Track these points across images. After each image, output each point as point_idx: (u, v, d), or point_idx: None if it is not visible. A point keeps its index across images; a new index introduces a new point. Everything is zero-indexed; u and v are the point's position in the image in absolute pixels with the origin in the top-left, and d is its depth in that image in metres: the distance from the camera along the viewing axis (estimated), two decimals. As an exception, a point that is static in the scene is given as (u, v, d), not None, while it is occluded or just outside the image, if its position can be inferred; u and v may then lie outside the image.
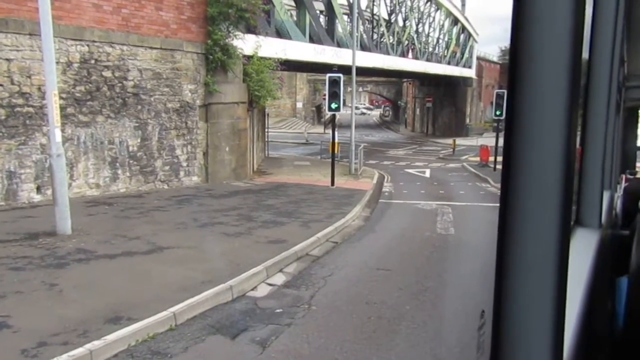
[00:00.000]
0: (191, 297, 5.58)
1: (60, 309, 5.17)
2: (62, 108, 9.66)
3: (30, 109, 10.15)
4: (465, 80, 44.64)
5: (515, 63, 0.64)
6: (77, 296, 5.56)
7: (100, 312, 5.11)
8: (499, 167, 21.13)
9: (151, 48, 12.52)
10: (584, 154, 1.79)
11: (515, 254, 0.66)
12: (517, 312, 0.67)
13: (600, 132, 1.81)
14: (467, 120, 45.65)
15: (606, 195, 2.04)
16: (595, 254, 1.41)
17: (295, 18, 22.84)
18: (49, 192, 8.96)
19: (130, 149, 12.26)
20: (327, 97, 14.43)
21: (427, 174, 21.51)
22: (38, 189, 10.34)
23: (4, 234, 7.78)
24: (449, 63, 41.29)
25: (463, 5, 43.80)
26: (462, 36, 43.59)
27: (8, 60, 9.78)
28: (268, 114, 25.64)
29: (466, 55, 44.18)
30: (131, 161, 12.31)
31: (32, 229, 8.05)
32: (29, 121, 10.13)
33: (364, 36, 29.07)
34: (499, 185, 0.72)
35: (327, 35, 24.42)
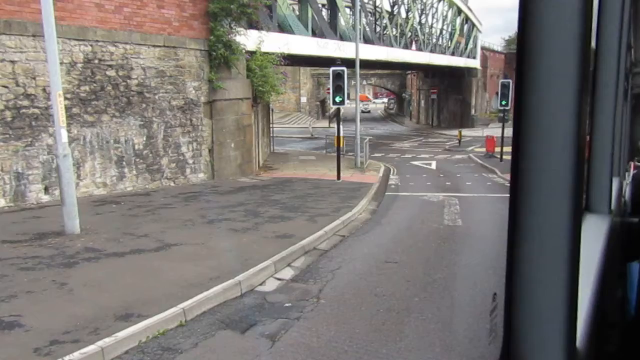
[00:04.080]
0: (200, 293, 5.61)
1: (70, 308, 5.21)
2: (68, 108, 9.71)
3: (36, 110, 10.20)
4: (470, 71, 44.37)
5: (524, 51, 0.63)
6: (87, 294, 5.60)
7: (110, 310, 5.15)
8: (506, 157, 21.09)
9: (154, 46, 12.53)
10: (592, 141, 1.77)
11: (527, 241, 0.66)
12: (530, 297, 0.67)
13: (609, 119, 1.79)
14: (473, 111, 45.42)
15: (615, 182, 2.03)
16: (605, 240, 1.40)
17: (297, 12, 22.77)
18: (57, 192, 9.02)
19: (136, 147, 12.31)
20: (331, 91, 14.38)
21: (433, 165, 21.45)
22: (46, 190, 10.41)
23: (14, 235, 7.85)
24: (453, 54, 41.04)
25: (466, -6, 43.48)
26: (465, 26, 43.29)
27: (12, 62, 9.83)
28: (272, 109, 25.66)
29: (470, 45, 43.88)
30: (137, 159, 12.36)
31: (41, 229, 8.12)
32: (35, 122, 10.18)
33: (367, 29, 28.93)
34: (505, 176, 0.72)
35: (330, 28, 24.34)
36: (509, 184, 0.70)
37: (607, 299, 1.37)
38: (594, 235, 1.44)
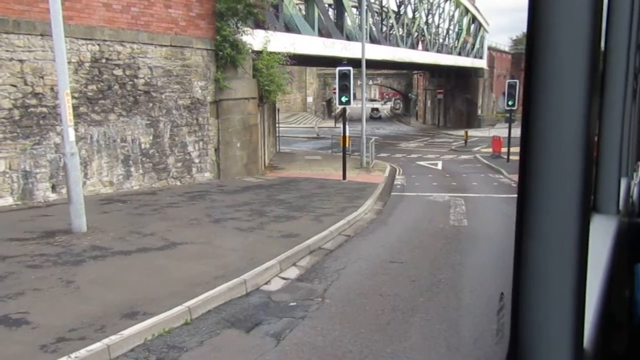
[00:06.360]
0: (206, 292, 5.62)
1: (77, 305, 5.24)
2: (75, 107, 9.76)
3: (44, 109, 10.27)
4: (477, 71, 44.22)
5: (532, 51, 0.63)
6: (94, 292, 5.64)
7: (116, 308, 5.17)
8: (512, 157, 20.96)
9: (161, 46, 12.58)
10: (600, 141, 1.76)
11: (535, 241, 0.66)
12: (537, 298, 0.66)
13: (617, 119, 1.78)
14: (479, 112, 45.30)
15: (623, 183, 2.02)
16: (613, 241, 1.40)
17: (304, 12, 22.79)
18: (64, 190, 9.08)
19: (143, 146, 12.36)
20: (337, 90, 14.38)
21: (439, 166, 21.41)
22: (53, 188, 10.47)
23: (21, 233, 7.90)
24: (459, 54, 40.93)
25: (473, -5, 43.33)
26: (472, 26, 43.15)
27: (21, 61, 9.89)
28: (279, 109, 25.70)
29: (477, 45, 43.73)
30: (144, 159, 12.41)
31: (48, 227, 8.17)
32: (42, 121, 10.25)
33: (373, 29, 28.92)
34: (512, 177, 0.71)
35: (336, 28, 24.34)
36: (515, 185, 0.70)
37: (614, 300, 1.36)
38: (602, 236, 1.43)
